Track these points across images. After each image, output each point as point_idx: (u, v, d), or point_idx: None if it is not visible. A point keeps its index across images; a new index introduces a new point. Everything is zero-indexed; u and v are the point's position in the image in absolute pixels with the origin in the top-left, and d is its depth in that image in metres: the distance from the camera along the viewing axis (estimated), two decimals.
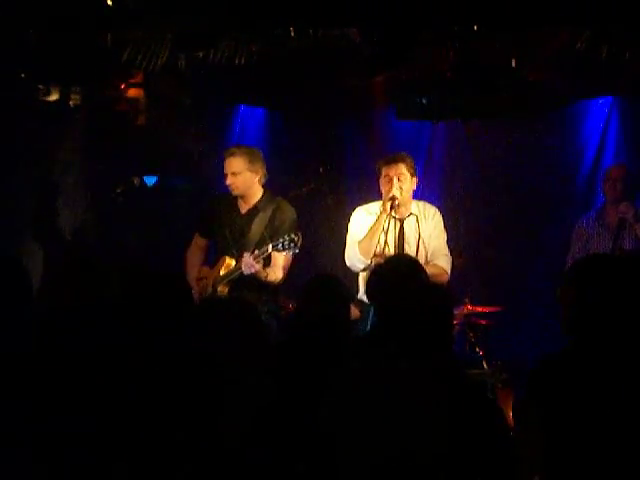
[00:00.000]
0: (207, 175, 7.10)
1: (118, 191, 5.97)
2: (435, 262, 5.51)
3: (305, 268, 7.04)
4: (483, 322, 6.05)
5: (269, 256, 5.49)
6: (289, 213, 5.65)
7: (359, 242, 5.57)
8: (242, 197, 5.69)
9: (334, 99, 6.71)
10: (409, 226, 5.57)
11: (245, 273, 5.41)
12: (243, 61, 5.76)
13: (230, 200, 5.76)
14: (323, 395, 3.10)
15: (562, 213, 6.43)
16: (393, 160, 5.55)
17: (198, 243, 5.91)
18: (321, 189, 6.14)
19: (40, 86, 5.94)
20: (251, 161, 5.62)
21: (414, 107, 5.61)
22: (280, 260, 5.54)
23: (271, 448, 2.99)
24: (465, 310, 5.95)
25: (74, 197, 6.58)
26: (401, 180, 5.52)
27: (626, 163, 6.38)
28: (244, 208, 5.72)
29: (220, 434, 2.96)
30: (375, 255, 5.49)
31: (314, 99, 6.69)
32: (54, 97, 6.02)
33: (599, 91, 6.62)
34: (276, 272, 5.54)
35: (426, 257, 5.49)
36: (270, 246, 5.34)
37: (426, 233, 5.58)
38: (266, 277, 5.49)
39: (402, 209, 5.55)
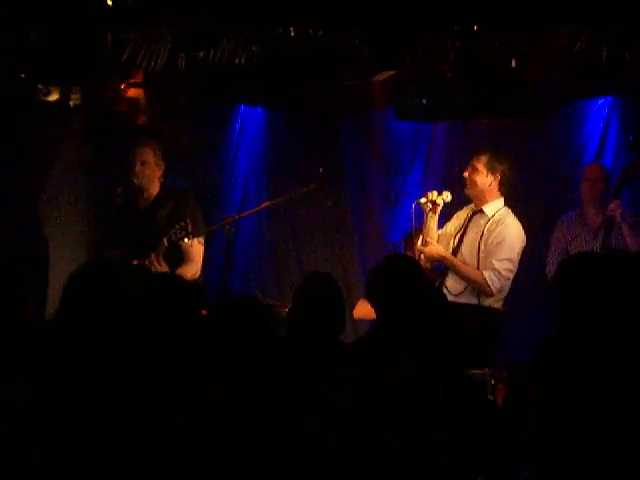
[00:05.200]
0: (207, 175, 7.10)
1: (118, 191, 5.96)
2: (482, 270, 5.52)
3: (304, 268, 7.06)
4: None
5: (181, 252, 5.49)
6: (188, 206, 5.64)
7: None
8: (142, 190, 5.69)
9: (334, 99, 6.71)
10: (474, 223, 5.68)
11: None
12: (243, 61, 5.76)
13: (125, 203, 5.80)
14: (321, 394, 3.10)
15: (561, 213, 6.41)
16: None
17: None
18: (321, 189, 6.12)
19: (40, 86, 5.93)
20: (157, 154, 5.68)
21: (414, 107, 5.60)
22: (193, 254, 5.54)
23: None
24: None
25: (74, 197, 6.57)
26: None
27: (606, 163, 6.41)
28: (143, 205, 5.73)
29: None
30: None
31: (314, 99, 6.68)
32: (54, 97, 6.02)
33: (599, 91, 6.62)
34: (190, 268, 5.54)
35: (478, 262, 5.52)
36: (165, 240, 5.36)
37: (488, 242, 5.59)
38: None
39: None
